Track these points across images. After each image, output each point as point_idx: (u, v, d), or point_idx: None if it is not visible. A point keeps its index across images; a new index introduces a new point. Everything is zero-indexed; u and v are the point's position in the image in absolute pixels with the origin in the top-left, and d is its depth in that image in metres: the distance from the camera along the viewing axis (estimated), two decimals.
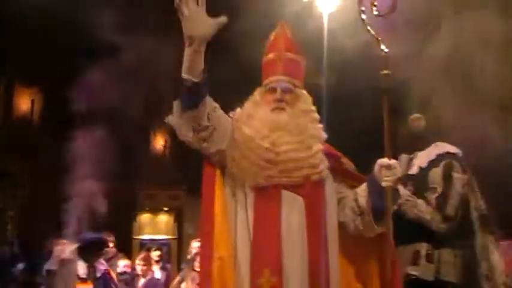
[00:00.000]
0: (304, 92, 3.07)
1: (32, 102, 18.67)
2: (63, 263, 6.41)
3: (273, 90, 2.97)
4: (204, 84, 2.71)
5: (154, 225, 22.39)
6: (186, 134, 2.80)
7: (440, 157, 3.63)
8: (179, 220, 22.49)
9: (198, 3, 2.57)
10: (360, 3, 2.86)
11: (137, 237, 20.95)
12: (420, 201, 3.51)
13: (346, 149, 3.11)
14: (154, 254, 9.85)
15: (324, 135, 3.02)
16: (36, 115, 18.88)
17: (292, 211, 2.83)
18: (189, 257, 6.35)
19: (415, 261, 3.57)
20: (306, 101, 3.05)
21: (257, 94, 3.06)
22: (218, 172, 2.92)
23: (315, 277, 2.77)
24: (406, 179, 3.61)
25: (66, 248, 6.58)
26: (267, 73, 3.03)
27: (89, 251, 6.26)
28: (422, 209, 3.50)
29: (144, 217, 22.28)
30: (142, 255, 9.48)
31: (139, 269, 8.86)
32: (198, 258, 5.70)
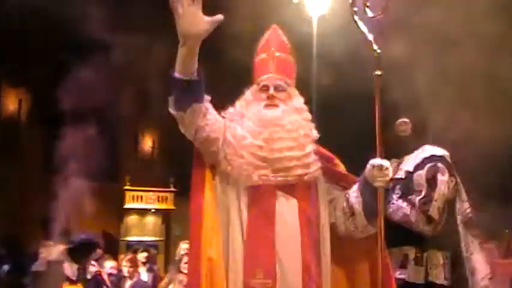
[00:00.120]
0: (296, 91, 3.06)
1: (20, 102, 18.60)
2: (50, 264, 6.35)
3: (266, 87, 2.95)
4: (198, 84, 2.69)
5: (142, 227, 22.34)
6: (189, 129, 2.80)
7: (426, 160, 3.63)
8: (167, 222, 22.46)
9: (193, 1, 2.53)
10: (353, 5, 2.85)
11: (124, 238, 20.90)
12: (405, 204, 3.52)
13: (335, 151, 3.11)
14: (141, 256, 9.81)
15: (316, 135, 3.00)
16: (24, 115, 18.79)
17: (286, 212, 2.80)
18: (176, 258, 6.32)
19: (403, 265, 3.57)
20: (298, 99, 3.02)
21: (249, 93, 3.03)
22: (208, 172, 2.90)
23: (308, 279, 2.76)
24: (394, 183, 3.62)
25: (53, 250, 6.53)
26: (259, 72, 3.01)
27: (80, 252, 6.20)
28: (407, 212, 3.50)
29: (132, 218, 22.22)
30: (128, 257, 9.43)
31: (125, 270, 8.81)
32: (185, 260, 5.67)
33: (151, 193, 22.41)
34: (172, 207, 22.37)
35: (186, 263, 5.44)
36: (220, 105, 3.03)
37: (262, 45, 3.07)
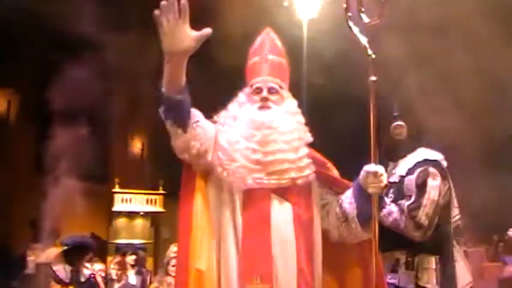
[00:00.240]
0: (290, 94, 3.04)
1: (9, 103, 18.48)
2: (39, 267, 6.32)
3: (259, 90, 2.93)
4: (185, 100, 2.64)
5: (131, 229, 22.24)
6: (179, 150, 2.77)
7: (418, 164, 3.62)
8: (156, 224, 22.37)
9: (179, 15, 2.45)
10: (347, 9, 2.82)
11: (113, 241, 20.79)
12: (396, 209, 3.50)
13: (325, 155, 3.10)
14: (130, 259, 9.77)
15: (310, 138, 2.98)
16: (13, 116, 18.67)
17: (280, 216, 2.78)
18: (165, 260, 6.29)
19: (394, 269, 3.55)
20: (292, 102, 3.00)
21: (242, 95, 3.00)
22: (199, 179, 2.84)
23: (303, 283, 2.74)
24: (388, 187, 3.60)
25: (46, 252, 6.49)
26: (252, 75, 2.99)
27: (74, 254, 6.16)
28: (397, 217, 3.49)
29: (120, 221, 22.12)
30: (117, 260, 9.40)
31: (113, 273, 8.78)
32: (173, 262, 5.64)
33: (140, 195, 22.32)
34: (161, 209, 22.28)
35: (173, 265, 5.42)
36: (212, 108, 3.01)
37: (256, 49, 3.05)
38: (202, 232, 2.76)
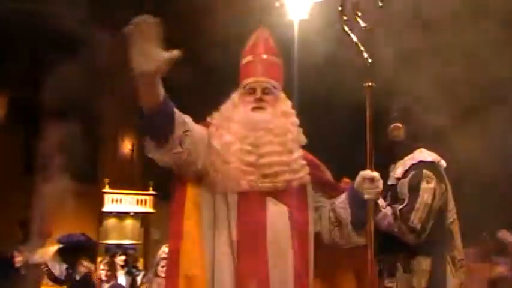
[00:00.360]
0: (284, 95, 3.00)
1: None
2: (29, 267, 6.31)
3: (253, 90, 2.87)
4: (165, 113, 2.57)
5: (121, 230, 22.17)
6: (165, 162, 2.72)
7: (413, 167, 3.57)
8: (146, 225, 22.31)
9: (149, 37, 2.38)
10: (342, 13, 2.77)
11: (102, 241, 20.70)
12: (390, 213, 3.48)
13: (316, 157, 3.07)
14: (119, 259, 9.74)
15: (304, 140, 2.93)
16: (1, 116, 18.57)
17: (276, 219, 2.74)
18: (155, 261, 6.27)
19: (392, 273, 3.52)
20: (286, 103, 2.95)
21: (235, 96, 2.94)
22: (190, 184, 2.80)
23: (299, 287, 2.71)
24: (385, 190, 3.57)
25: (28, 254, 6.47)
26: (246, 75, 2.93)
27: (70, 253, 6.15)
28: (391, 221, 3.46)
29: (110, 221, 22.04)
30: (106, 260, 9.36)
31: (103, 274, 8.74)
32: (162, 263, 5.62)
33: (130, 196, 22.25)
34: (151, 210, 22.23)
35: (163, 266, 5.41)
36: (205, 110, 2.98)
37: (249, 48, 2.98)
38: (193, 238, 2.72)
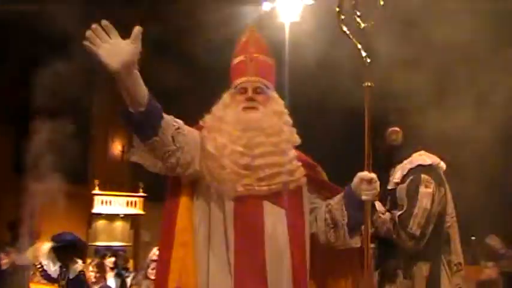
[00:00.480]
0: (276, 94, 2.89)
1: None
2: (17, 269, 6.28)
3: (244, 90, 2.80)
4: (153, 109, 2.49)
5: (110, 232, 22.10)
6: (154, 166, 2.61)
7: (412, 171, 3.52)
8: (136, 227, 22.26)
9: (106, 35, 2.34)
10: (340, 13, 2.73)
11: (92, 243, 20.64)
12: (389, 219, 3.44)
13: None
14: (109, 261, 9.71)
15: (298, 140, 2.86)
16: None
17: (275, 223, 2.68)
18: (145, 263, 6.25)
19: (392, 279, 3.48)
20: (278, 102, 2.87)
21: (226, 96, 2.86)
22: (184, 188, 2.74)
23: None
24: (385, 195, 3.53)
25: (14, 255, 6.45)
26: (237, 74, 2.85)
27: (64, 251, 6.12)
28: (390, 227, 3.42)
29: (100, 223, 21.98)
30: (95, 262, 9.32)
31: (92, 276, 8.70)
32: (152, 265, 5.60)
33: (120, 198, 22.20)
34: (141, 212, 22.20)
35: (153, 268, 5.39)
36: (197, 112, 2.94)
37: (240, 47, 2.92)
38: (185, 247, 2.67)
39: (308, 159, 2.91)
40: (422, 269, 3.41)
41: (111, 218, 22.22)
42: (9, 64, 14.83)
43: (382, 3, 2.69)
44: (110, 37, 2.35)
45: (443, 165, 3.58)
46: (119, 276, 9.82)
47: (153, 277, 5.18)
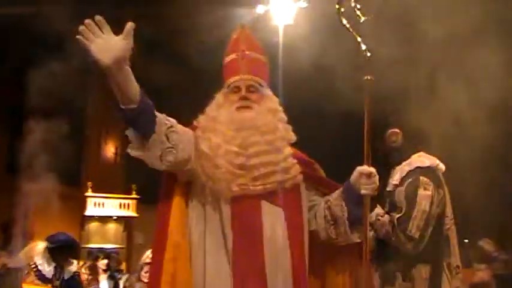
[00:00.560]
0: (270, 92, 2.86)
1: None
2: (9, 270, 6.25)
3: (237, 89, 2.77)
4: (145, 107, 2.47)
5: (103, 234, 22.06)
6: (154, 163, 2.56)
7: (410, 173, 3.47)
8: (129, 229, 22.21)
9: (99, 30, 2.34)
10: (340, 5, 2.70)
11: (85, 245, 20.58)
12: (387, 221, 3.43)
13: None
14: (102, 263, 9.69)
15: (294, 137, 2.81)
16: None
17: (273, 224, 2.65)
18: (139, 266, 6.25)
19: (391, 282, 3.46)
20: (273, 100, 2.84)
21: (219, 96, 2.84)
22: (179, 189, 2.72)
23: None
24: (385, 196, 3.51)
25: (5, 258, 6.42)
26: (229, 73, 2.83)
27: (58, 252, 6.11)
28: (389, 230, 3.41)
29: (93, 225, 21.94)
30: (88, 264, 9.31)
31: (84, 278, 8.68)
32: (145, 268, 5.59)
33: (113, 200, 22.16)
34: (134, 214, 22.16)
35: (146, 272, 5.38)
36: (190, 112, 2.92)
37: (231, 45, 2.90)
38: (178, 248, 2.64)
39: (304, 156, 2.88)
40: (422, 272, 3.39)
41: (104, 220, 22.19)
42: (3, 64, 14.78)
43: None
44: (102, 32, 2.34)
45: (442, 166, 3.56)
46: (112, 278, 9.79)
47: (146, 280, 5.17)
